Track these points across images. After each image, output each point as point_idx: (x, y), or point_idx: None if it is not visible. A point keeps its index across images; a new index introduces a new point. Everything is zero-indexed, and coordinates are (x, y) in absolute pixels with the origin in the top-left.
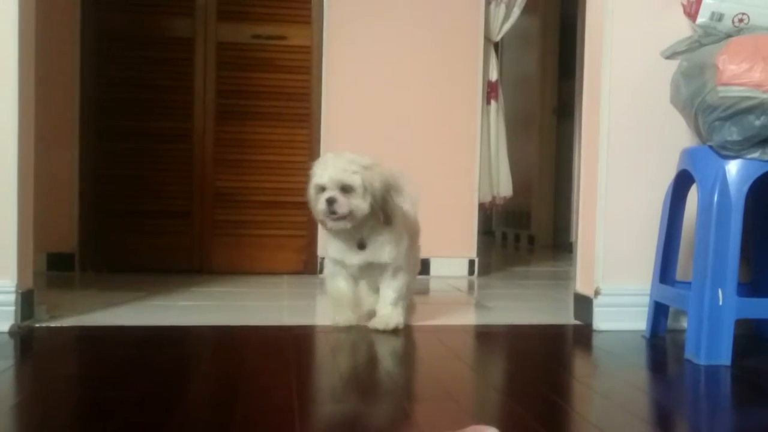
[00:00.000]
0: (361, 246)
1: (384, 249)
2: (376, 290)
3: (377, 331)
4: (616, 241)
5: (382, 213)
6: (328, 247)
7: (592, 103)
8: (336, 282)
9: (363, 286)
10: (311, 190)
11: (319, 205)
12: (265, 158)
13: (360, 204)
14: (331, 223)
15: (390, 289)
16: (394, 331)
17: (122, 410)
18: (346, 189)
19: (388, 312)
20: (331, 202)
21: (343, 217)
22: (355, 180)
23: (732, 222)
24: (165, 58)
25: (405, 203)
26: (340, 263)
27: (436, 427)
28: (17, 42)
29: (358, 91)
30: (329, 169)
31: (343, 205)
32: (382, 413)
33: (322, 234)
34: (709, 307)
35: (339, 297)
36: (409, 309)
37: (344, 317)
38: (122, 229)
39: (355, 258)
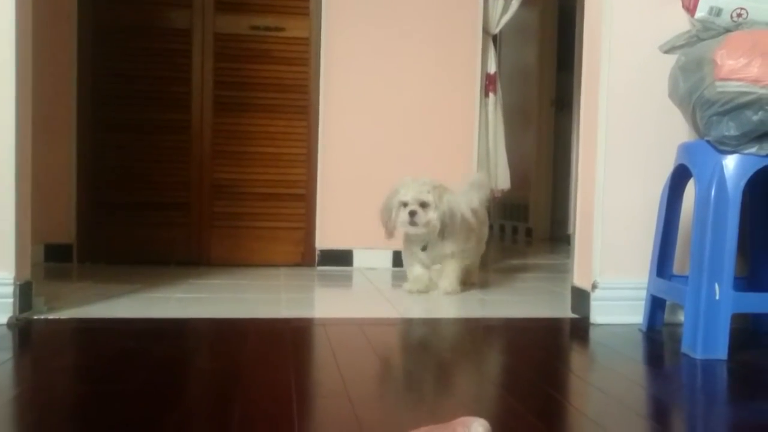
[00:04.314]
0: (424, 248)
1: (445, 245)
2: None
3: (446, 293)
4: (613, 235)
5: (441, 224)
6: (404, 247)
7: (590, 96)
8: (413, 268)
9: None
10: (391, 204)
11: (402, 216)
12: (263, 150)
13: (432, 216)
14: (412, 230)
15: (449, 269)
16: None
17: (120, 403)
18: (422, 205)
19: (447, 283)
20: (413, 213)
21: (419, 225)
22: (429, 198)
23: (729, 216)
24: (163, 49)
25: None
26: (415, 254)
27: (434, 419)
28: (15, 34)
29: (356, 83)
30: (411, 190)
31: (422, 216)
32: (380, 406)
33: (320, 227)
34: (705, 301)
35: (415, 277)
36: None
37: (416, 287)
38: (120, 220)
39: (423, 253)
